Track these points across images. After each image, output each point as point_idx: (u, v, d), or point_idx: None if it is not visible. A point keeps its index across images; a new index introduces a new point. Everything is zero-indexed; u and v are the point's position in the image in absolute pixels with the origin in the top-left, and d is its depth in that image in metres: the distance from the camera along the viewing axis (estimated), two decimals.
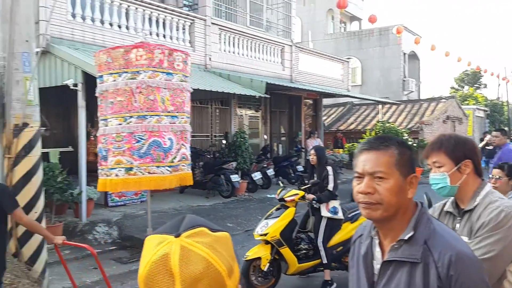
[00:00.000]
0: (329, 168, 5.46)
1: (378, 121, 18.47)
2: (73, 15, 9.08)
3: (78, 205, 7.90)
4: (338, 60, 18.81)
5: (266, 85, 11.24)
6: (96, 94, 3.60)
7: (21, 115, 4.89)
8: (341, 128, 21.06)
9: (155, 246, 0.84)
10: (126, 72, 3.33)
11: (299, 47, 16.30)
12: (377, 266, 1.46)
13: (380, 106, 20.62)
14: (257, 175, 11.67)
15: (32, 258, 4.76)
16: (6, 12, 4.86)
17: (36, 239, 4.80)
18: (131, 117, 3.33)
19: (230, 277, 0.84)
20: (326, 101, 20.14)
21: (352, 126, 21.09)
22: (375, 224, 1.50)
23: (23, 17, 4.94)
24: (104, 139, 3.41)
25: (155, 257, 0.82)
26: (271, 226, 5.12)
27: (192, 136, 12.45)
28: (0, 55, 5.00)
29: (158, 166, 3.49)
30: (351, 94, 18.00)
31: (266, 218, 5.34)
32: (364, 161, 1.44)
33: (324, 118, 20.12)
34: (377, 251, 1.48)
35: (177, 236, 0.83)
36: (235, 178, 10.66)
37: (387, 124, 17.23)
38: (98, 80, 3.48)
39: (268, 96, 11.74)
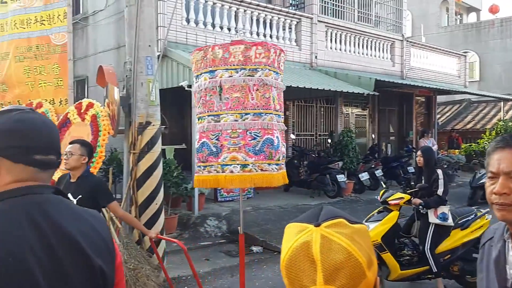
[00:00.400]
0: (439, 171, 5.10)
1: (499, 120, 16.92)
2: (187, 20, 9.64)
3: (191, 199, 8.38)
4: (454, 55, 17.57)
5: (375, 82, 10.88)
6: (201, 89, 3.51)
7: (144, 114, 5.33)
8: (457, 127, 19.65)
9: (296, 234, 0.87)
10: (244, 68, 3.38)
11: (411, 42, 15.51)
12: (510, 271, 1.37)
13: (501, 103, 18.85)
14: (364, 176, 11.35)
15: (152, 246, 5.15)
16: (132, 19, 5.31)
17: (156, 229, 5.18)
18: (247, 114, 3.38)
19: (369, 268, 0.85)
20: (440, 98, 18.91)
21: (469, 125, 19.57)
22: (509, 227, 1.39)
23: (147, 23, 5.36)
24: (213, 135, 3.38)
25: (296, 243, 0.86)
26: (372, 229, 4.92)
27: (296, 135, 12.58)
28: (127, 59, 5.49)
29: (269, 164, 3.53)
30: (468, 91, 16.67)
31: (366, 221, 5.16)
32: (499, 159, 1.35)
33: (437, 116, 18.91)
34: (510, 255, 1.38)
35: (317, 225, 0.86)
36: (341, 178, 10.47)
37: (510, 123, 15.68)
38: (207, 75, 3.43)
39: (377, 93, 11.35)
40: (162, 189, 5.48)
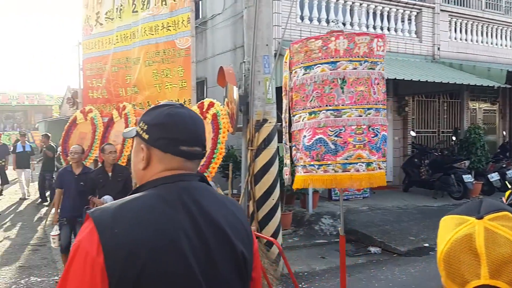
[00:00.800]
0: None
1: None
2: (301, 18, 9.65)
3: (305, 196, 8.38)
4: None
5: (506, 74, 9.85)
6: (314, 81, 3.27)
7: (261, 112, 5.46)
8: None
9: (456, 226, 0.85)
10: (367, 61, 3.21)
11: None
12: None
13: None
14: (494, 176, 10.34)
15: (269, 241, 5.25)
16: (251, 20, 5.47)
17: (273, 224, 5.28)
18: (369, 109, 3.23)
19: None
20: None
21: None
22: None
23: (264, 23, 5.48)
24: (332, 131, 3.19)
25: (456, 236, 0.84)
26: None
27: (417, 132, 11.90)
28: (245, 59, 5.67)
29: (383, 162, 3.38)
30: None
31: None
32: None
33: None
34: None
35: (479, 218, 0.83)
36: (467, 178, 9.66)
37: None
38: (327, 66, 3.21)
39: (509, 86, 10.26)
40: (278, 185, 5.56)
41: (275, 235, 5.30)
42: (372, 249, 6.79)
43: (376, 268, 6.00)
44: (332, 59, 3.22)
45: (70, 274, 1.04)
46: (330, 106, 3.24)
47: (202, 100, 6.79)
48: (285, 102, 3.68)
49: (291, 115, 3.62)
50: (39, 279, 5.64)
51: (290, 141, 3.81)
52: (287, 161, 3.93)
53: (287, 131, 3.83)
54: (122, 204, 1.11)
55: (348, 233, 7.62)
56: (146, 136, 1.22)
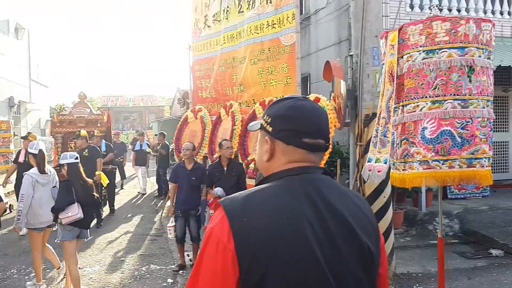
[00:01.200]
0: None
1: None
2: (411, 6, 9.16)
3: (417, 194, 7.95)
4: None
5: None
6: (438, 67, 2.98)
7: (370, 106, 5.28)
8: None
9: None
10: (487, 49, 2.91)
11: None
12: None
13: None
14: None
15: None
16: (358, 12, 5.31)
17: (385, 223, 5.08)
18: (488, 101, 2.96)
19: None
20: None
21: None
22: None
23: (373, 14, 5.29)
24: (459, 122, 2.94)
25: None
26: None
27: None
28: (353, 52, 5.52)
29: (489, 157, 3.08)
30: None
31: None
32: None
33: None
34: None
35: None
36: None
37: None
38: (455, 51, 2.92)
39: None
40: (389, 183, 5.33)
41: (386, 234, 5.10)
42: (494, 252, 6.22)
43: (499, 272, 5.50)
44: (461, 44, 2.92)
45: (203, 260, 1.09)
46: (458, 95, 2.93)
47: (307, 96, 6.76)
48: (390, 89, 3.35)
49: (398, 104, 3.31)
50: (157, 267, 6.06)
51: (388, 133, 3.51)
52: (378, 155, 3.61)
53: (388, 122, 3.50)
54: (250, 194, 1.15)
55: (467, 234, 7.10)
56: (269, 129, 1.24)
